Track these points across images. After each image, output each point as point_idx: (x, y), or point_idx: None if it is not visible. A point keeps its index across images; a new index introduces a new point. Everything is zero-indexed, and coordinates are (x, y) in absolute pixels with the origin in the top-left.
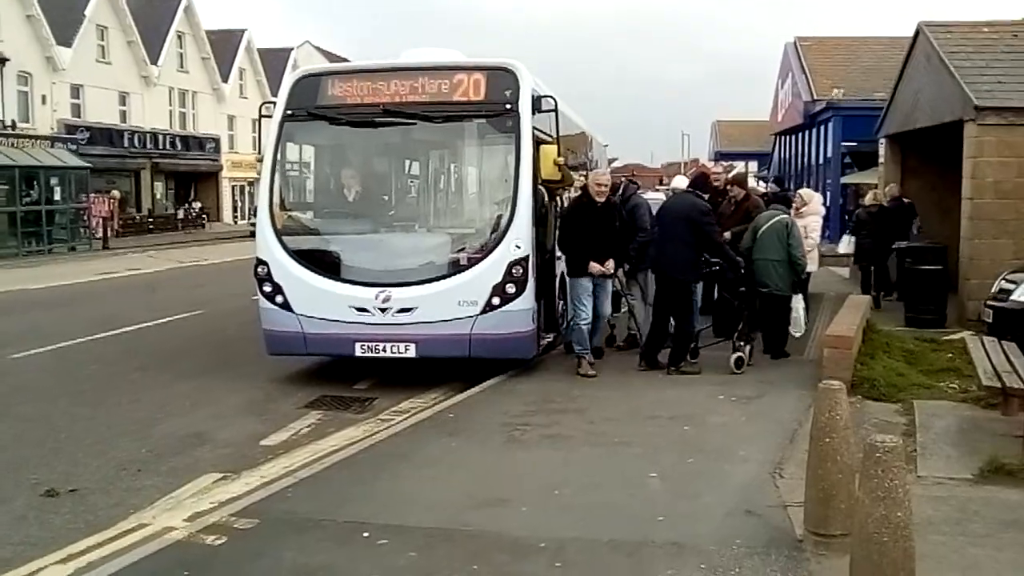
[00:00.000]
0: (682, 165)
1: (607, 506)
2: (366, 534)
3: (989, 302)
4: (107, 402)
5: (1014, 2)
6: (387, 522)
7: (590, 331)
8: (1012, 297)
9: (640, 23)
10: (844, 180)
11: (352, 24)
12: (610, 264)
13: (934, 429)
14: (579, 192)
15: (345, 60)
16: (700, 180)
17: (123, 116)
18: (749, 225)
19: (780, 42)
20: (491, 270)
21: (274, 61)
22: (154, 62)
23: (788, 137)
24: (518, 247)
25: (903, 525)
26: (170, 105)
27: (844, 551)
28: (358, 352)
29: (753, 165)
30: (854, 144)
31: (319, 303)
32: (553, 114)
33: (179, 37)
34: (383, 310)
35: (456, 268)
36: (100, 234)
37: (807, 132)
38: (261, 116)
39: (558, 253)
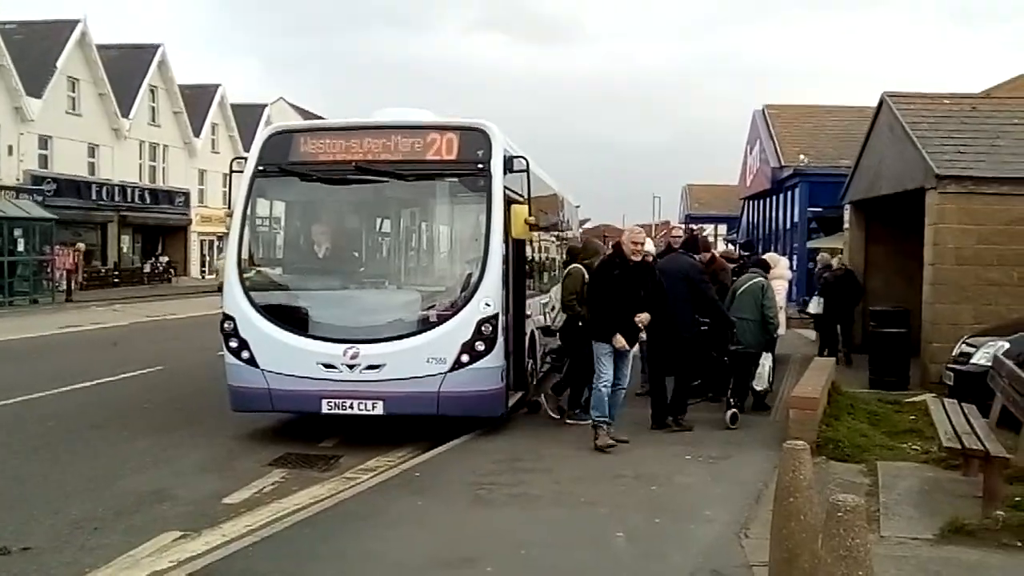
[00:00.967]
0: (653, 227)
1: (574, 566)
2: None
3: (950, 365)
4: (64, 458)
5: (972, 77)
6: None
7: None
8: (972, 360)
9: (612, 87)
10: (810, 244)
11: (327, 82)
12: (639, 335)
13: (897, 489)
14: (610, 250)
15: (320, 117)
16: (692, 242)
17: (92, 168)
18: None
19: (749, 109)
20: (460, 328)
21: (247, 117)
22: (125, 115)
23: (756, 201)
24: (488, 305)
25: None
26: (140, 158)
27: None
28: (324, 409)
29: (723, 228)
30: (820, 210)
31: (286, 359)
32: (524, 174)
33: (152, 91)
34: (351, 367)
35: (425, 325)
36: (64, 287)
37: (775, 197)
38: (232, 171)
39: (528, 311)
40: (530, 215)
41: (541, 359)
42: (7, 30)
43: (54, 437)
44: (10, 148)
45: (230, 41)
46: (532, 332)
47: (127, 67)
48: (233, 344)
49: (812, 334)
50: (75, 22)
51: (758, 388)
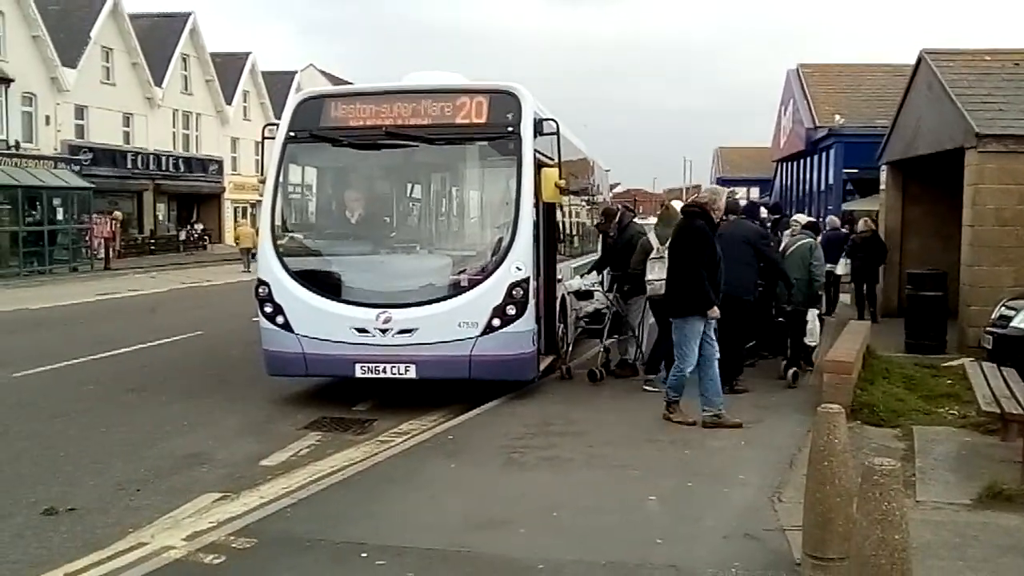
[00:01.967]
0: (684, 191)
1: (605, 528)
2: (364, 554)
3: (989, 328)
4: (106, 422)
5: (1016, 32)
6: (385, 543)
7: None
8: (1012, 324)
9: (645, 51)
10: (845, 207)
11: (356, 48)
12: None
13: (933, 454)
14: (696, 216)
15: (349, 83)
16: (752, 208)
17: (127, 137)
18: None
19: (783, 70)
20: (492, 292)
21: (278, 84)
22: (158, 84)
23: (790, 164)
24: (519, 269)
25: (900, 548)
26: (173, 127)
27: (841, 575)
28: (358, 373)
29: (755, 191)
30: (856, 171)
31: (320, 324)
32: (555, 137)
33: (183, 59)
34: (384, 331)
35: (457, 290)
36: (102, 255)
37: (809, 159)
38: (264, 138)
39: (559, 275)
40: (560, 178)
41: (574, 324)
42: (42, 1)
43: (94, 401)
44: (47, 118)
45: (260, 6)
46: (563, 296)
47: (159, 36)
48: (268, 309)
49: (847, 297)
50: None
51: (811, 344)
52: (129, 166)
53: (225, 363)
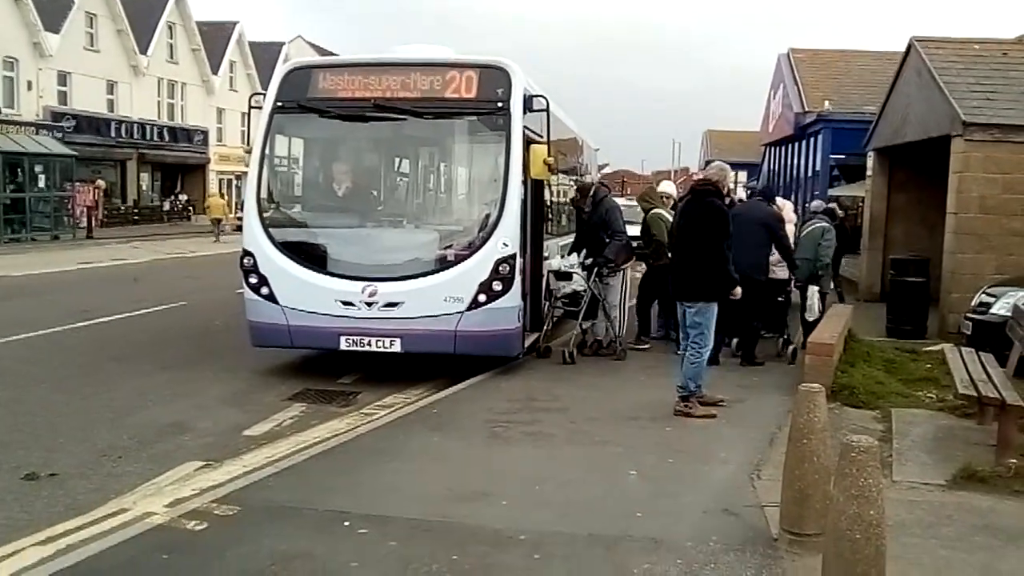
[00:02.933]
0: (672, 173)
1: (587, 502)
2: (347, 523)
3: (969, 315)
4: (87, 390)
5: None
6: (368, 512)
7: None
8: (991, 310)
9: (636, 32)
10: (832, 192)
11: (345, 20)
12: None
13: (910, 436)
14: (709, 194)
15: (337, 55)
16: (767, 191)
17: (111, 105)
18: None
19: (774, 54)
20: (478, 267)
21: (265, 55)
22: (143, 52)
23: (778, 148)
24: (506, 245)
25: (875, 523)
26: (159, 96)
27: (818, 550)
28: (343, 345)
29: (743, 175)
30: (843, 157)
31: (305, 296)
32: (544, 114)
33: (170, 27)
34: (369, 304)
35: (443, 264)
36: (84, 223)
37: (797, 143)
38: (251, 108)
39: (546, 252)
40: (549, 155)
41: (551, 304)
42: None
43: (77, 369)
44: (29, 83)
45: None
46: (549, 273)
47: (145, 3)
48: (253, 280)
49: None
50: None
51: (810, 319)
52: (113, 135)
53: (209, 333)
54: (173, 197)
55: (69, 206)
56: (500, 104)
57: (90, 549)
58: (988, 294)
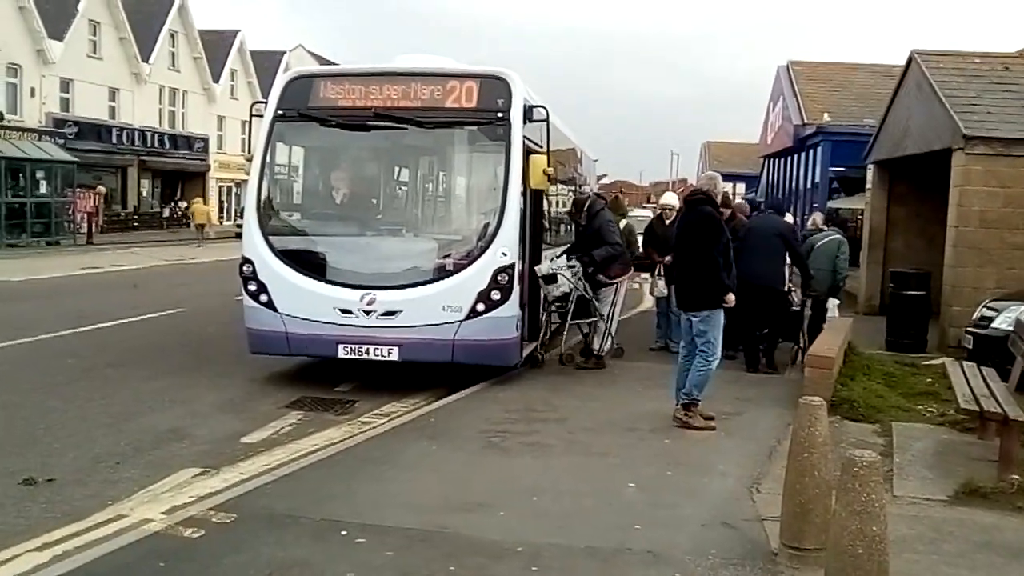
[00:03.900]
0: (670, 184)
1: (584, 513)
2: (344, 532)
3: (970, 329)
4: (85, 395)
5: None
6: (365, 522)
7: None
8: (993, 324)
9: (637, 42)
10: (831, 204)
11: (345, 29)
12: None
13: (911, 451)
14: (702, 203)
15: (337, 64)
16: (777, 204)
17: (112, 112)
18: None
19: (773, 66)
20: (477, 276)
21: (266, 63)
22: (146, 59)
23: (777, 160)
24: (504, 254)
25: (878, 539)
26: (160, 103)
27: (818, 565)
28: (341, 353)
29: (741, 187)
30: (842, 169)
31: (303, 303)
32: (544, 124)
33: (172, 36)
34: (367, 312)
35: (442, 273)
36: (84, 229)
37: (796, 156)
38: (252, 116)
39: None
40: (548, 166)
41: (548, 311)
42: None
43: (75, 375)
44: (32, 90)
45: None
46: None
47: (147, 11)
48: (252, 287)
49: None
50: None
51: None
52: (114, 141)
53: (207, 340)
54: (173, 204)
55: (70, 212)
56: (500, 114)
57: (87, 555)
58: (989, 308)
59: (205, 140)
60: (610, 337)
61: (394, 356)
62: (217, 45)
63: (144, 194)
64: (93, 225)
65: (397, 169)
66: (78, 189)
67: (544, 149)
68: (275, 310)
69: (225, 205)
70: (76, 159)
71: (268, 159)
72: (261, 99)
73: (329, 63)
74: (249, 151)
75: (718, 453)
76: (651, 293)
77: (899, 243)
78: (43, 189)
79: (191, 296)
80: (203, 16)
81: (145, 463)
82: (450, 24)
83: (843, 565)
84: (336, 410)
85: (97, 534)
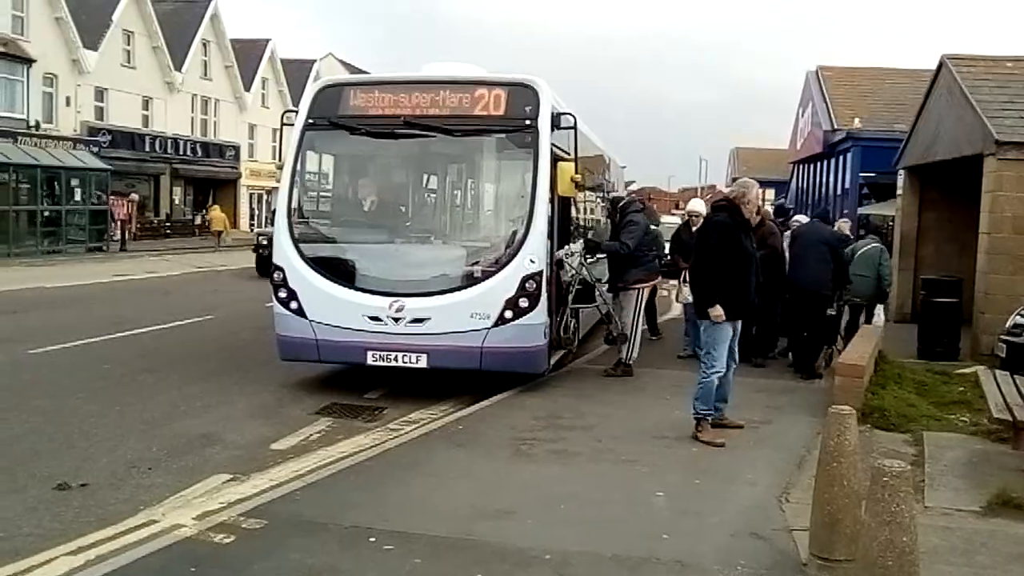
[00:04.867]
0: (698, 190)
1: (612, 521)
2: (372, 539)
3: (1003, 337)
4: (119, 401)
5: None
6: (393, 528)
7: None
8: None
9: (664, 47)
10: (861, 211)
11: (375, 38)
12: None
13: (943, 460)
14: (720, 210)
15: (367, 73)
16: (824, 213)
17: (145, 121)
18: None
19: (802, 71)
20: (505, 284)
21: (296, 72)
22: (178, 68)
23: (806, 166)
24: (532, 262)
25: (908, 550)
26: (192, 112)
27: None
28: (370, 360)
29: (770, 193)
30: (873, 175)
31: (333, 310)
32: (572, 131)
33: (204, 45)
34: (396, 320)
35: (470, 281)
36: (118, 236)
37: (826, 161)
38: (283, 124)
39: (572, 270)
40: (576, 173)
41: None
42: None
43: (110, 380)
44: (68, 99)
45: None
46: (576, 290)
47: (180, 21)
48: (282, 294)
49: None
50: None
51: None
52: (147, 149)
53: (237, 346)
54: (205, 211)
55: (114, 219)
56: (528, 122)
57: (120, 560)
58: (1023, 316)
59: (236, 148)
60: (636, 346)
61: (422, 363)
62: (248, 54)
63: (176, 201)
64: (127, 232)
65: (426, 177)
66: (112, 196)
67: (572, 156)
68: (305, 317)
69: (256, 212)
70: (110, 167)
71: (299, 167)
72: (292, 107)
73: (359, 71)
74: (280, 159)
75: (747, 462)
76: (676, 300)
77: (930, 250)
78: (78, 197)
79: (223, 303)
80: (234, 25)
81: (177, 468)
82: (479, 31)
83: None
84: (365, 417)
85: (130, 538)
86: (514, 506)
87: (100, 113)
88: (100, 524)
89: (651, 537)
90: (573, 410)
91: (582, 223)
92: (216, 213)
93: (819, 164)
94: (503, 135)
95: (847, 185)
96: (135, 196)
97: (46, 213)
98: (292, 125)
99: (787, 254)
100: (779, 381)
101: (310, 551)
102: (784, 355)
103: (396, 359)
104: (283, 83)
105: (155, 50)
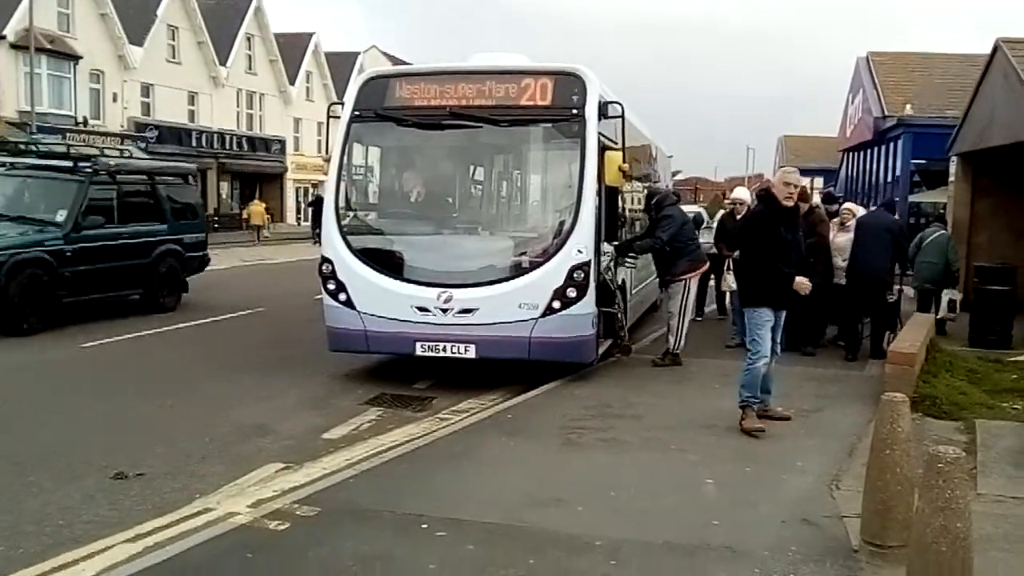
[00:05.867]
0: (746, 179)
1: (662, 509)
2: (425, 526)
3: None
4: (172, 392)
5: None
6: (446, 515)
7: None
8: None
9: (710, 36)
10: (913, 198)
11: (419, 29)
12: (804, 284)
13: (996, 448)
14: (759, 200)
15: (410, 64)
16: (890, 202)
17: (191, 116)
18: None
19: (852, 58)
20: (553, 274)
21: (341, 65)
22: (223, 63)
23: (856, 153)
24: (580, 252)
25: (962, 536)
26: (237, 106)
27: (900, 562)
28: (418, 351)
29: (819, 181)
30: (924, 162)
31: (382, 302)
32: (619, 121)
33: (248, 39)
34: (444, 311)
35: (518, 271)
36: None
37: (876, 149)
38: (329, 116)
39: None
40: (624, 162)
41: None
42: None
43: (162, 372)
44: (114, 95)
45: None
46: (623, 280)
47: (224, 15)
48: (331, 286)
49: (910, 289)
50: None
51: (949, 316)
52: (193, 144)
53: (287, 339)
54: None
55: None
56: (575, 111)
57: (177, 547)
58: None
59: (282, 142)
60: (684, 335)
61: (471, 354)
62: (292, 48)
63: (223, 196)
64: None
65: (472, 167)
66: None
67: (619, 145)
68: (354, 308)
69: (303, 206)
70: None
71: (345, 160)
72: (337, 100)
73: (403, 63)
74: (326, 152)
75: (797, 450)
76: (720, 288)
77: (983, 237)
78: None
79: (271, 296)
80: (278, 19)
81: (231, 458)
82: (526, 21)
83: (926, 563)
84: (415, 407)
85: (186, 526)
86: (565, 494)
87: (147, 109)
88: (157, 512)
89: (702, 525)
90: (622, 399)
91: (629, 213)
92: (255, 208)
93: (869, 151)
94: (550, 125)
95: (898, 172)
96: None
97: None
98: (338, 118)
99: (848, 242)
100: (829, 370)
101: (364, 538)
102: (833, 343)
103: (445, 350)
104: (327, 76)
105: (200, 45)
